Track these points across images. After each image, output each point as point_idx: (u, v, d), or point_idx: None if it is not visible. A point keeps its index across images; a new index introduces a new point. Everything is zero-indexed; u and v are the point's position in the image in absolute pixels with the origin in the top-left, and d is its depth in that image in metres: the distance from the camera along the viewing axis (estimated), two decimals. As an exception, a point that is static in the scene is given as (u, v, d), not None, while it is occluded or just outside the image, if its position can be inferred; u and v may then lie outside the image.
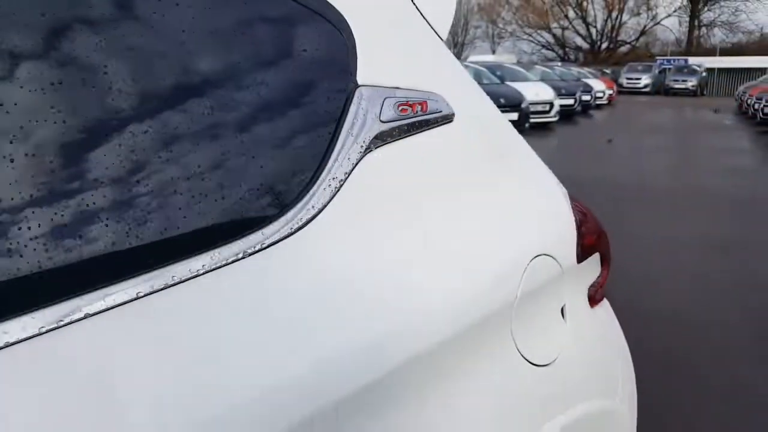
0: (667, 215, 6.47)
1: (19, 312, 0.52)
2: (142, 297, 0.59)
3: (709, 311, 3.82)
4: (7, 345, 0.51)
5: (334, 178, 0.77)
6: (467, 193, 0.95)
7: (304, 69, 0.79)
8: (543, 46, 58.36)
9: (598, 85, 23.72)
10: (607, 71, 36.58)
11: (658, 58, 45.11)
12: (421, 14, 1.01)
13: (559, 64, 33.80)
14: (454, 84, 1.01)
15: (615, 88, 28.57)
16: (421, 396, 0.81)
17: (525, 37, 58.86)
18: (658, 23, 55.09)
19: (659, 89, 34.94)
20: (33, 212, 0.54)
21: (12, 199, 0.53)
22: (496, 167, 1.04)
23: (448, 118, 0.95)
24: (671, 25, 61.71)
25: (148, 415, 0.58)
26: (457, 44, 64.77)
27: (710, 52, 46.66)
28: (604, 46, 56.34)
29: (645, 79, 35.07)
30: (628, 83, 34.73)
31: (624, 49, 56.43)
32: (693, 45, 50.86)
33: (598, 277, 1.23)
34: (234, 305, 0.66)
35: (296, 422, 0.66)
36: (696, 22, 52.08)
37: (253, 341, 0.66)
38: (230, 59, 0.72)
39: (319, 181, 0.76)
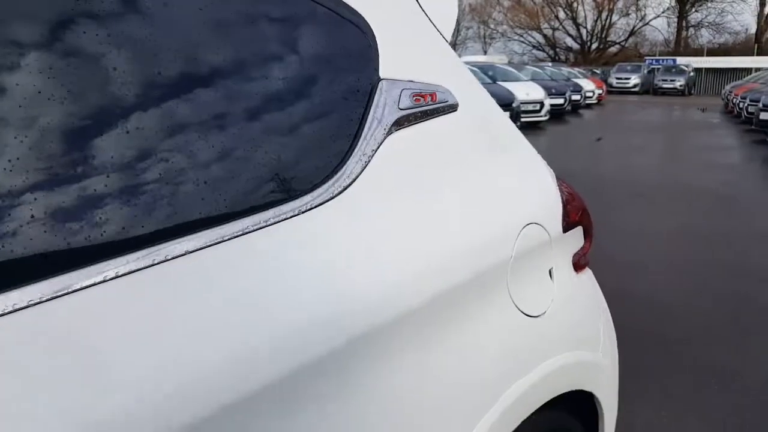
0: (653, 209, 6.69)
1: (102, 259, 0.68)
2: (230, 240, 0.77)
3: (686, 296, 4.03)
4: (102, 283, 0.67)
5: (364, 154, 0.95)
6: (469, 169, 1.14)
7: (339, 65, 0.97)
8: (534, 47, 58.67)
9: (587, 85, 23.97)
10: (597, 71, 36.87)
11: (647, 58, 45.43)
12: (429, 19, 1.19)
13: (550, 64, 34.07)
14: (457, 78, 1.19)
15: (604, 87, 28.84)
16: (441, 332, 0.99)
17: (516, 37, 59.19)
18: (647, 24, 55.54)
19: (648, 89, 35.22)
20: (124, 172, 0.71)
21: (94, 168, 0.69)
22: (493, 149, 1.22)
23: (453, 107, 1.13)
24: (660, 26, 62.30)
25: (210, 332, 0.74)
26: (449, 45, 65.03)
27: (698, 52, 47.04)
28: (594, 46, 56.65)
29: (634, 79, 35.33)
30: (617, 83, 35.00)
31: (613, 49, 56.78)
32: (681, 45, 51.31)
33: (582, 247, 1.41)
34: (288, 251, 0.84)
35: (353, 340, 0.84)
36: (684, 23, 52.51)
37: (310, 276, 0.84)
38: (290, 58, 0.90)
39: (352, 156, 0.94)
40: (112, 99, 0.71)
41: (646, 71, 38.15)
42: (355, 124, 0.96)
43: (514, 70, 18.25)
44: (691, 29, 53.39)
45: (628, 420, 2.32)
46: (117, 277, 0.67)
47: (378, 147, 0.97)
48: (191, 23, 0.80)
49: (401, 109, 1.02)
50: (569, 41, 58.34)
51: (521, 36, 59.04)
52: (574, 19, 56.69)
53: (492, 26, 61.48)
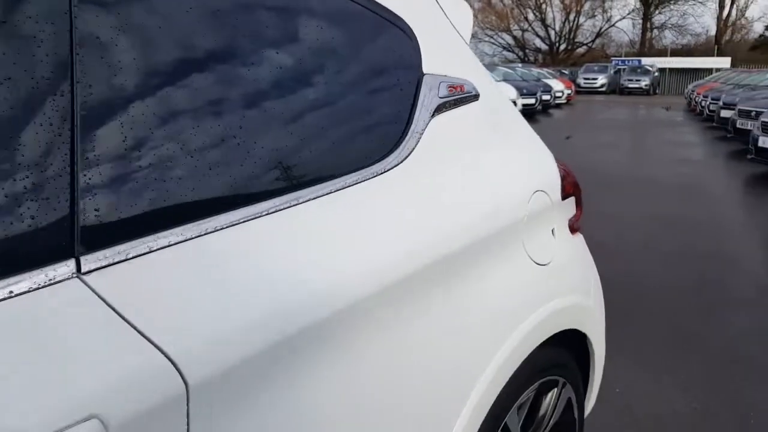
0: (620, 198, 7.08)
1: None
2: (327, 195, 1.04)
3: (649, 273, 4.38)
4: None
5: (416, 132, 1.23)
6: (491, 145, 1.42)
7: (396, 63, 1.25)
8: (504, 48, 59.35)
9: (557, 85, 24.50)
10: (566, 72, 37.53)
11: (613, 58, 46.32)
12: (454, 27, 1.47)
13: (520, 65, 34.64)
14: (476, 73, 1.47)
15: (573, 87, 29.46)
16: (478, 271, 1.27)
17: (486, 39, 59.84)
18: (613, 25, 56.73)
19: (615, 88, 35.94)
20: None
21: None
22: (506, 130, 1.51)
23: (476, 97, 1.41)
24: (625, 27, 63.68)
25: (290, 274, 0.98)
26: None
27: (662, 53, 48.12)
28: (562, 47, 57.58)
29: (601, 79, 36.06)
30: (585, 83, 35.69)
31: (581, 50, 57.80)
32: (646, 46, 52.48)
33: (574, 214, 1.71)
34: (370, 202, 1.11)
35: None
36: (648, 25, 53.76)
37: (384, 220, 1.11)
38: (362, 60, 1.18)
39: (409, 134, 1.21)
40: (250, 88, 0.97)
41: (612, 71, 38.93)
42: (408, 108, 1.24)
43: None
44: (655, 31, 54.77)
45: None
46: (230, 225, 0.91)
47: (425, 127, 1.25)
48: (302, 39, 1.07)
49: (440, 98, 1.30)
50: (538, 42, 59.27)
51: (492, 37, 59.78)
52: (542, 21, 57.57)
53: (462, 27, 61.98)
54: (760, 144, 8.14)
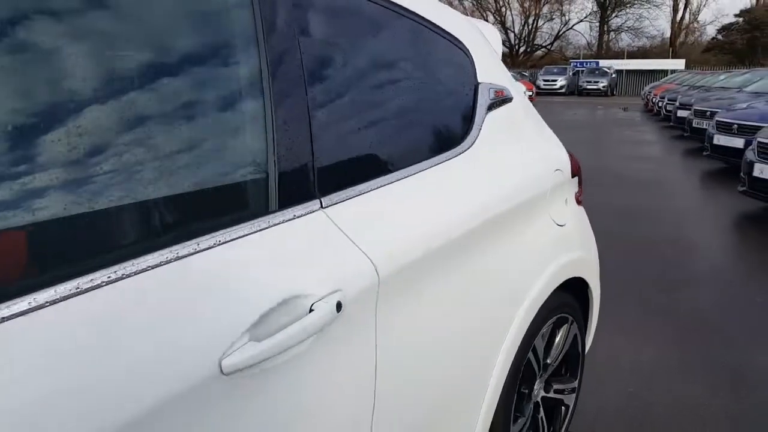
0: (585, 193, 7.65)
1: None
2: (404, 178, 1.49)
3: (617, 257, 4.93)
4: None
5: (477, 125, 1.69)
6: (523, 134, 1.90)
7: (462, 73, 1.71)
8: (464, 50, 60.38)
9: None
10: (526, 74, 38.43)
11: (571, 60, 47.53)
12: (491, 45, 1.94)
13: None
14: (509, 82, 1.94)
15: (534, 89, 30.34)
16: (521, 226, 1.74)
17: (447, 41, 60.67)
18: (571, 28, 58.18)
19: (574, 90, 36.90)
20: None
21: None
22: (531, 123, 1.99)
23: (511, 99, 1.88)
24: (583, 30, 65.23)
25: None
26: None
27: (618, 55, 49.52)
28: (521, 49, 58.84)
29: (561, 81, 37.00)
30: (545, 85, 36.61)
31: (540, 52, 59.12)
32: (603, 49, 53.96)
33: (578, 190, 2.20)
34: (448, 177, 1.56)
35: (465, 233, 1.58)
36: (605, 28, 55.31)
37: (461, 189, 1.57)
38: (438, 71, 1.64)
39: (473, 126, 1.68)
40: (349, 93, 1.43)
41: (571, 73, 39.96)
42: (471, 108, 1.71)
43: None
44: (612, 33, 56.35)
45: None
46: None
47: (483, 121, 1.71)
48: (408, 59, 1.53)
49: (490, 99, 1.77)
50: (498, 45, 60.42)
51: (453, 39, 60.59)
52: (502, 24, 58.59)
53: (424, 30, 62.75)
54: (715, 141, 8.83)
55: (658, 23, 73.93)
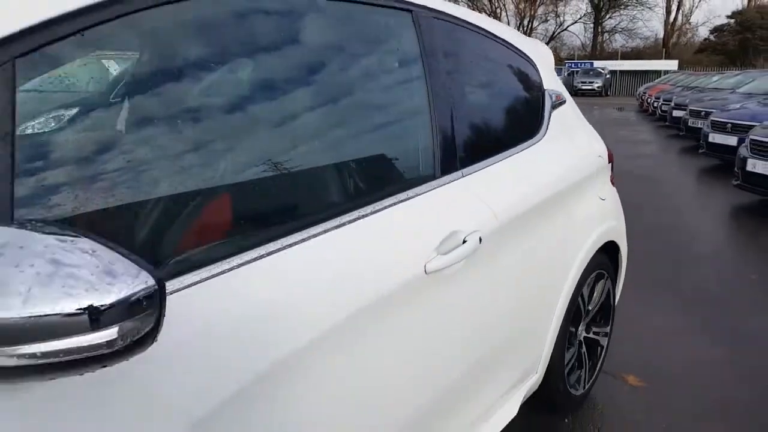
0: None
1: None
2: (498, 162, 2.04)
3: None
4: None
5: (546, 121, 2.25)
6: (575, 128, 2.46)
7: (533, 81, 2.27)
8: (460, 51, 60.91)
9: (518, 87, 25.82)
10: (522, 74, 38.94)
11: (566, 61, 48.06)
12: (548, 59, 2.50)
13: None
14: (562, 88, 2.50)
15: (531, 89, 30.88)
16: (576, 198, 2.29)
17: (443, 41, 61.14)
18: (566, 29, 58.77)
19: (568, 90, 37.36)
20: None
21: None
22: (579, 120, 2.55)
23: (565, 101, 2.44)
24: (577, 31, 65.86)
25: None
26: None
27: (612, 55, 50.12)
28: (516, 50, 59.42)
29: (556, 81, 37.61)
30: (541, 85, 37.16)
31: (535, 53, 59.72)
32: (597, 50, 54.56)
33: (611, 174, 2.76)
34: (531, 161, 2.12)
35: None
36: (599, 29, 55.94)
37: (537, 169, 2.13)
38: (519, 80, 2.20)
39: (543, 121, 2.23)
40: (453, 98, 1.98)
41: (566, 74, 40.57)
42: (540, 107, 2.26)
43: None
44: (606, 34, 56.96)
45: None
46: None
47: (550, 118, 2.27)
48: (494, 67, 2.09)
49: (552, 102, 2.33)
50: (494, 45, 60.91)
51: (449, 40, 61.07)
52: (497, 24, 59.30)
53: (420, 30, 63.15)
54: (710, 140, 9.43)
55: (652, 24, 75.12)
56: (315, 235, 1.23)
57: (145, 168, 0.99)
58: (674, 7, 53.34)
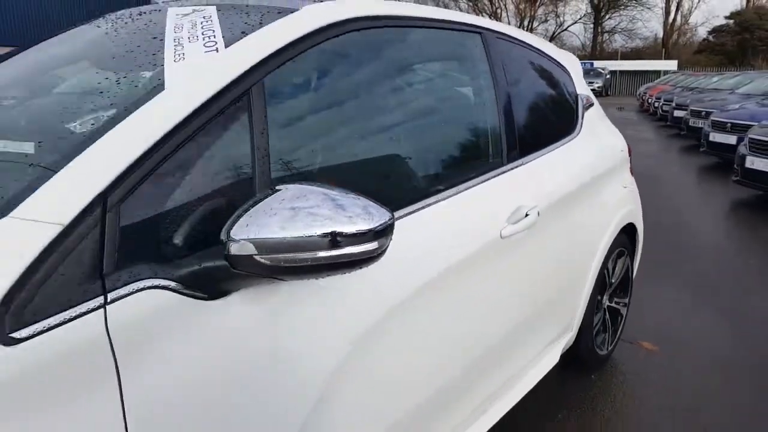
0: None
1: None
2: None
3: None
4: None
5: (580, 120, 2.70)
6: (601, 127, 2.91)
7: (568, 87, 2.72)
8: (461, 51, 61.29)
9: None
10: (524, 74, 39.42)
11: (567, 61, 48.37)
12: (578, 68, 2.96)
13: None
14: (589, 93, 2.95)
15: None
16: (603, 184, 2.74)
17: (444, 41, 61.52)
18: (566, 30, 59.24)
19: (570, 90, 38.04)
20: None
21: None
22: (604, 120, 3.01)
23: (593, 104, 2.90)
24: (577, 32, 66.32)
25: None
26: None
27: (612, 56, 50.60)
28: (517, 50, 59.84)
29: (557, 81, 38.06)
30: (542, 85, 37.66)
31: (535, 53, 60.15)
32: (597, 50, 55.06)
33: (630, 165, 3.21)
34: (569, 153, 2.56)
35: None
36: (599, 29, 56.47)
37: (575, 159, 2.58)
38: (558, 87, 2.65)
39: (578, 121, 2.69)
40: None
41: (567, 74, 40.97)
42: (575, 109, 2.71)
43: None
44: (606, 35, 57.49)
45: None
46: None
47: (583, 118, 2.72)
48: (541, 77, 2.54)
49: (584, 104, 2.78)
50: (494, 45, 61.30)
51: (450, 40, 61.45)
52: (498, 25, 59.70)
53: (421, 31, 63.55)
54: (711, 139, 9.88)
55: (651, 25, 75.93)
56: (442, 200, 1.72)
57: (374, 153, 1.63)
58: (673, 8, 53.91)
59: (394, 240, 1.18)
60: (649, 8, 54.25)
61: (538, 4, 57.35)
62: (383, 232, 1.12)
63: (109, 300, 0.98)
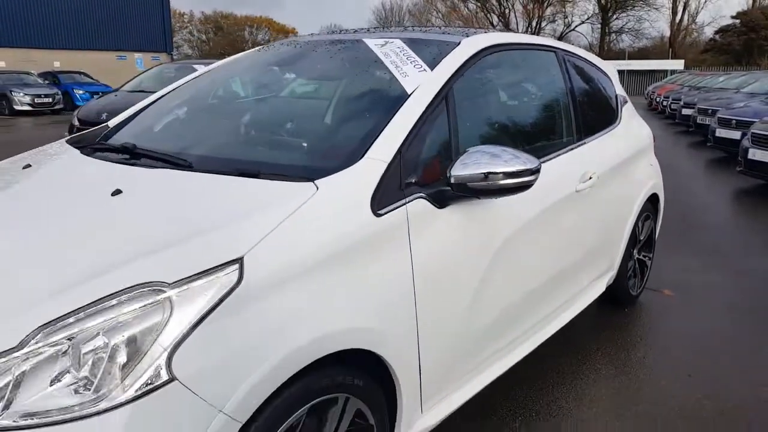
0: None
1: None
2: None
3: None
4: None
5: (620, 113, 3.64)
6: (634, 119, 3.86)
7: (611, 89, 3.67)
8: (470, 51, 61.88)
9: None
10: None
11: (575, 61, 49.02)
12: (616, 74, 3.90)
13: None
14: (623, 92, 3.88)
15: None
16: (636, 163, 3.68)
17: (454, 42, 62.14)
18: (573, 30, 59.97)
19: (578, 90, 38.80)
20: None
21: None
22: (635, 113, 3.95)
23: (628, 102, 3.84)
24: (585, 32, 66.94)
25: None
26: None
27: (620, 55, 51.22)
28: (525, 50, 60.41)
29: (566, 81, 38.87)
30: (552, 85, 38.45)
31: (543, 53, 60.70)
32: (604, 50, 55.71)
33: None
34: (611, 140, 3.49)
35: None
36: (606, 29, 57.18)
37: (613, 147, 3.51)
38: (604, 90, 3.60)
39: (619, 114, 3.63)
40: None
41: (575, 74, 41.69)
42: (616, 105, 3.65)
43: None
44: (613, 35, 58.20)
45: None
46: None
47: (622, 111, 3.66)
48: (594, 82, 3.48)
49: (622, 101, 3.72)
50: (503, 46, 61.90)
51: (459, 41, 62.07)
52: (506, 25, 59.99)
53: (430, 31, 64.32)
54: (717, 134, 10.77)
55: (658, 25, 76.65)
56: (544, 162, 2.62)
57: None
58: (680, 8, 54.54)
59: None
60: (656, 9, 54.81)
61: (546, 4, 58.06)
62: (537, 171, 2.05)
63: (406, 201, 1.92)
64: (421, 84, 2.21)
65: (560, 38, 59.19)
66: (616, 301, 3.95)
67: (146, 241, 1.55)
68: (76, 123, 8.40)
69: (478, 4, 60.17)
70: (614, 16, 56.56)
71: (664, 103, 20.70)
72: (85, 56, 30.77)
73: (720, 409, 2.85)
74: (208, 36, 66.59)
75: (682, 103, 16.82)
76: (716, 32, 54.30)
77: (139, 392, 1.31)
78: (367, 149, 1.93)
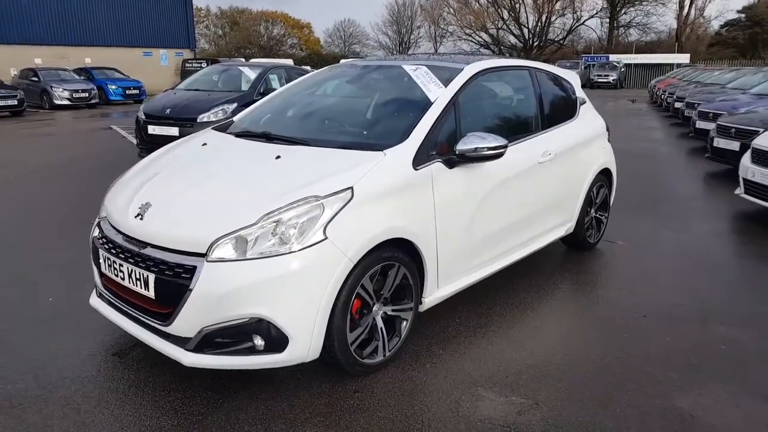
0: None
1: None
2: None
3: (627, 192, 8.31)
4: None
5: (578, 110, 5.16)
6: (590, 116, 5.37)
7: (571, 93, 5.18)
8: (481, 45, 62.92)
9: (539, 82, 28.35)
10: (542, 68, 41.24)
11: (583, 55, 50.14)
12: (578, 80, 5.41)
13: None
14: (584, 95, 5.38)
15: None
16: (589, 148, 5.19)
17: (465, 37, 63.54)
18: (582, 24, 60.92)
19: (585, 83, 39.25)
20: None
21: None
22: (593, 110, 5.46)
23: (586, 102, 5.35)
24: (593, 26, 67.84)
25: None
26: (403, 43, 68.59)
27: (627, 49, 52.17)
28: (535, 44, 61.55)
29: (573, 75, 39.92)
30: (559, 78, 39.46)
31: (553, 47, 61.82)
32: (612, 43, 56.72)
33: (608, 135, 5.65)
34: (572, 130, 4.98)
35: None
36: (615, 23, 58.09)
37: (575, 135, 5.01)
38: (565, 93, 5.12)
39: (577, 111, 5.15)
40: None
41: (582, 67, 42.71)
42: (576, 105, 5.17)
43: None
44: (621, 29, 59.11)
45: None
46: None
47: (579, 108, 5.17)
48: (555, 88, 4.99)
49: (580, 101, 5.23)
50: (513, 40, 62.87)
51: (470, 36, 63.38)
52: (516, 20, 61.06)
53: (442, 26, 65.55)
54: (698, 126, 12.19)
55: (665, 19, 77.06)
56: (517, 143, 4.15)
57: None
58: (687, 3, 55.37)
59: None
60: (663, 3, 55.80)
61: (555, -1, 59.01)
62: (506, 146, 3.57)
63: (431, 163, 3.45)
64: (440, 96, 3.72)
65: (570, 32, 60.25)
66: (579, 246, 5.46)
67: (306, 178, 3.07)
68: (142, 116, 9.92)
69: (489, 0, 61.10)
70: (622, 11, 57.52)
71: (663, 96, 21.89)
72: (114, 53, 32.38)
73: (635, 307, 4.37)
74: (225, 31, 68.15)
75: (675, 97, 18.14)
76: (722, 26, 55.24)
77: (310, 244, 2.84)
78: (410, 134, 3.44)
